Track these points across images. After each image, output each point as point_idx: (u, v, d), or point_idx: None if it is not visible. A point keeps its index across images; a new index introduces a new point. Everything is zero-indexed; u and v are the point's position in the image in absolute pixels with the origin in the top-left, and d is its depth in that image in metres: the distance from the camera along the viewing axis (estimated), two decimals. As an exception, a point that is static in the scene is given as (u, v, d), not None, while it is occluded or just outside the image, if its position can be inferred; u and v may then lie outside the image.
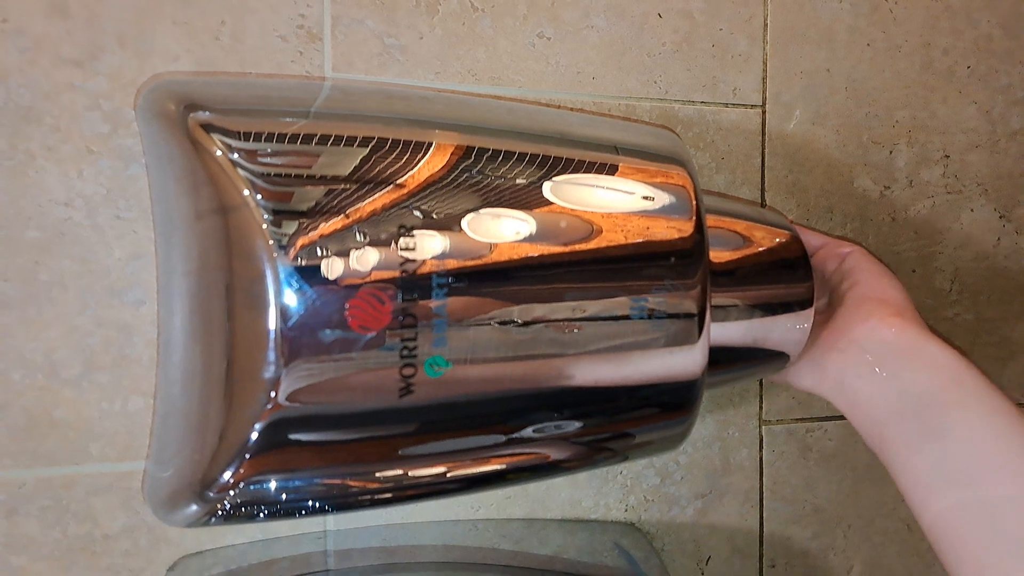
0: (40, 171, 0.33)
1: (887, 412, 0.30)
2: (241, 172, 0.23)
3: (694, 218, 0.29)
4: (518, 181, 0.27)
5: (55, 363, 0.34)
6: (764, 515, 0.45)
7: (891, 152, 0.45)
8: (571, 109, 0.40)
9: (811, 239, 0.37)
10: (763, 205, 0.44)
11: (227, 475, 0.25)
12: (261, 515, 0.26)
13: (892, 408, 0.30)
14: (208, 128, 0.24)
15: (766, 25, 0.42)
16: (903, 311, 0.32)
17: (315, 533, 0.38)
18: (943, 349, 0.30)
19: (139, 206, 0.34)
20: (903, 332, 0.31)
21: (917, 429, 0.29)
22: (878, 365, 0.31)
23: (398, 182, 0.25)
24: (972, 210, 0.47)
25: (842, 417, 0.45)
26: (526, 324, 0.26)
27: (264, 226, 0.23)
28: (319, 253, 0.24)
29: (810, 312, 0.33)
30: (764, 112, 0.43)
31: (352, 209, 0.24)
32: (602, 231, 0.28)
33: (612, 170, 0.29)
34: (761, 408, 0.44)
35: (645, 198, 0.29)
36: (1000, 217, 0.47)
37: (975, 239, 0.47)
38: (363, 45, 0.37)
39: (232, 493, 0.25)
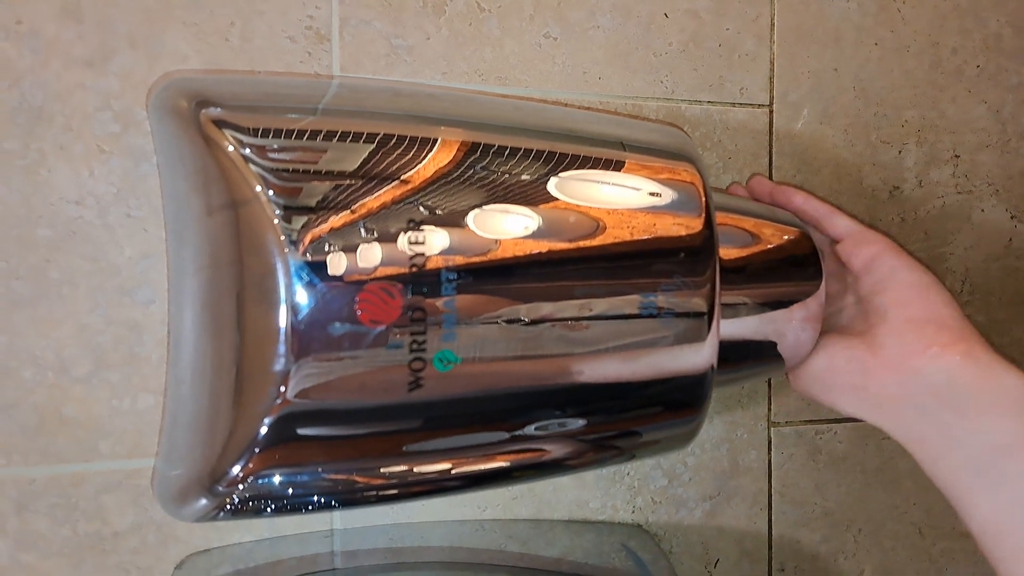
0: (52, 170, 0.33)
1: (961, 460, 0.28)
2: (252, 167, 0.24)
3: (703, 215, 0.29)
4: (527, 177, 0.27)
5: (65, 361, 0.34)
6: (773, 518, 0.45)
7: (900, 152, 0.45)
8: (578, 108, 0.40)
9: (837, 224, 0.34)
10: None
11: (236, 469, 0.25)
12: (268, 510, 0.26)
13: (966, 455, 0.28)
14: (220, 124, 0.24)
15: (773, 24, 0.42)
16: (964, 334, 0.29)
17: (322, 532, 0.38)
18: (1014, 379, 0.28)
19: (149, 205, 0.34)
20: (968, 361, 0.29)
21: (1003, 493, 0.27)
22: (943, 401, 0.29)
23: (407, 178, 0.26)
24: (983, 210, 0.47)
25: (852, 419, 0.45)
26: (535, 320, 0.26)
27: (275, 221, 0.23)
28: (329, 248, 0.24)
29: (820, 309, 0.33)
30: (771, 111, 0.43)
31: (361, 204, 0.25)
32: (612, 228, 0.28)
33: (622, 167, 0.29)
34: (770, 409, 0.44)
35: (655, 194, 0.29)
36: (1012, 217, 0.47)
37: (986, 239, 0.47)
38: (371, 46, 0.37)
39: (241, 487, 0.25)
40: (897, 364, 0.30)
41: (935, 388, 0.29)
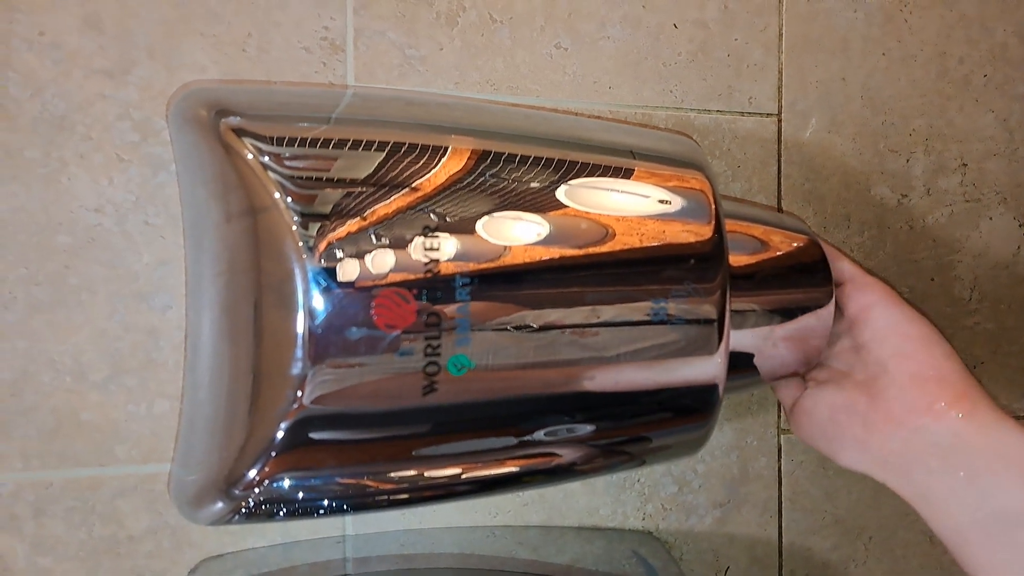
0: (72, 178, 0.34)
1: (969, 523, 0.28)
2: (271, 175, 0.24)
3: (713, 222, 0.29)
4: (537, 185, 0.28)
5: (83, 366, 0.34)
6: (783, 525, 0.45)
7: (908, 160, 0.45)
8: (588, 117, 0.40)
9: (839, 268, 0.34)
10: (779, 212, 0.44)
11: (252, 473, 0.25)
12: (282, 513, 0.27)
13: (975, 519, 0.28)
14: (239, 132, 0.25)
15: (781, 35, 0.43)
16: (968, 391, 0.29)
17: (334, 538, 0.38)
18: (1018, 437, 0.28)
19: (167, 213, 0.35)
20: (971, 420, 0.29)
21: (1013, 561, 0.27)
22: (949, 461, 0.29)
23: (420, 185, 0.26)
24: (991, 218, 0.47)
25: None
26: (548, 326, 0.27)
27: (293, 227, 0.24)
28: (345, 254, 0.24)
29: (830, 317, 0.33)
30: (780, 120, 0.43)
31: (376, 211, 0.25)
32: (622, 235, 0.28)
33: (631, 174, 0.30)
34: (780, 416, 0.44)
35: (664, 202, 0.29)
36: (1020, 226, 0.47)
37: (994, 247, 0.47)
38: (384, 56, 0.37)
39: (257, 491, 0.25)
40: (900, 420, 0.29)
41: (939, 447, 0.29)
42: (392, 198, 0.25)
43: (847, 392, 0.32)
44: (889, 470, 0.30)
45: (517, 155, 0.28)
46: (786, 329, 0.33)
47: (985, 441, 0.28)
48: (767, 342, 0.33)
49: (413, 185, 0.26)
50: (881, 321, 0.31)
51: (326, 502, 0.27)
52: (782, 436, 0.44)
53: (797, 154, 0.44)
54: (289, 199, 0.24)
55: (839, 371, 0.34)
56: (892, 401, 0.30)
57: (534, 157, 0.28)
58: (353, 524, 0.38)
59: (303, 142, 0.25)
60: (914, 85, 0.45)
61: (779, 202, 0.44)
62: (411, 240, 0.25)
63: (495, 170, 0.27)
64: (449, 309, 0.25)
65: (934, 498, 0.29)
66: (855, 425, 0.31)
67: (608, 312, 0.28)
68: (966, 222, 0.46)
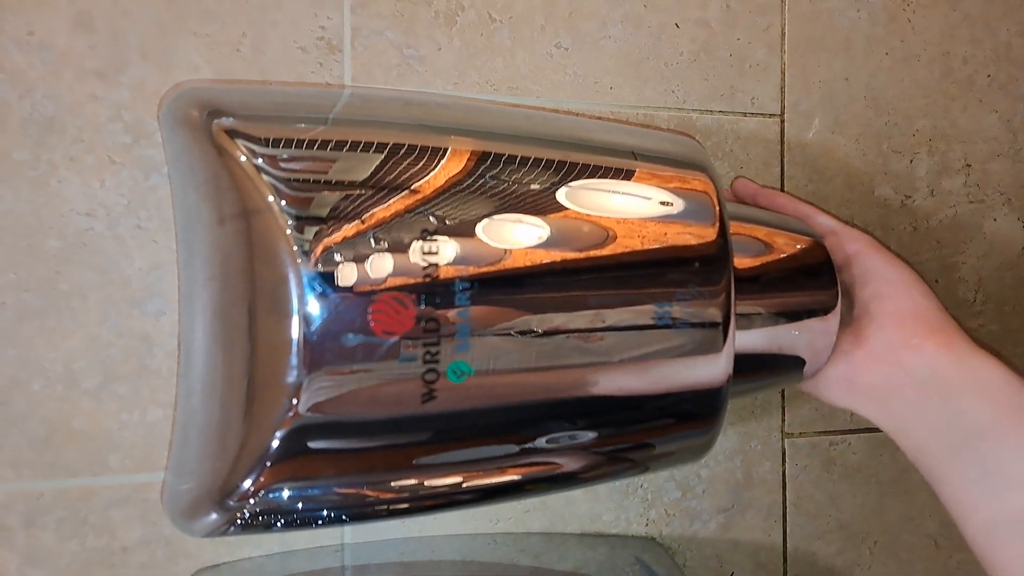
0: (62, 181, 0.33)
1: (939, 444, 0.30)
2: (265, 177, 0.23)
3: (717, 224, 0.29)
4: (538, 186, 0.27)
5: (75, 373, 0.34)
6: (788, 530, 0.44)
7: (912, 161, 0.45)
8: (589, 118, 0.40)
9: (821, 222, 0.36)
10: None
11: (247, 483, 0.24)
12: (279, 524, 0.26)
13: (944, 440, 0.30)
14: (232, 134, 0.24)
15: (783, 34, 0.42)
16: (943, 325, 0.31)
17: (332, 546, 0.37)
18: (991, 367, 0.29)
19: (160, 216, 0.34)
20: (947, 351, 0.30)
21: (974, 470, 0.29)
22: (926, 390, 0.30)
23: (418, 187, 0.25)
24: (995, 219, 0.46)
25: (866, 430, 0.45)
26: (550, 331, 0.26)
27: (288, 231, 0.23)
28: (341, 258, 0.23)
29: (835, 319, 0.33)
30: (783, 121, 0.43)
31: (373, 214, 0.24)
32: (626, 237, 0.27)
33: (633, 176, 0.29)
34: (783, 421, 0.44)
35: (668, 204, 0.29)
36: (1024, 226, 0.47)
37: (999, 248, 0.46)
38: (382, 56, 0.37)
39: (252, 502, 0.25)
40: (881, 356, 0.31)
41: (916, 378, 0.31)
42: (390, 201, 0.25)
43: None
44: (871, 404, 0.32)
45: (517, 156, 0.28)
46: (792, 331, 0.32)
47: (957, 369, 0.30)
48: (773, 345, 0.32)
49: (411, 187, 0.25)
50: (864, 267, 0.33)
51: (324, 512, 0.27)
52: (786, 440, 0.44)
53: (800, 155, 0.43)
54: (283, 202, 0.23)
55: None
56: (873, 339, 0.32)
57: (535, 158, 0.28)
58: (352, 532, 0.38)
59: (298, 144, 0.25)
60: (918, 85, 0.45)
61: (782, 203, 0.43)
62: (409, 244, 0.24)
63: (495, 172, 0.27)
64: (449, 314, 0.24)
65: (911, 428, 0.31)
66: (841, 364, 0.33)
67: (611, 316, 0.27)
68: (970, 223, 0.46)
